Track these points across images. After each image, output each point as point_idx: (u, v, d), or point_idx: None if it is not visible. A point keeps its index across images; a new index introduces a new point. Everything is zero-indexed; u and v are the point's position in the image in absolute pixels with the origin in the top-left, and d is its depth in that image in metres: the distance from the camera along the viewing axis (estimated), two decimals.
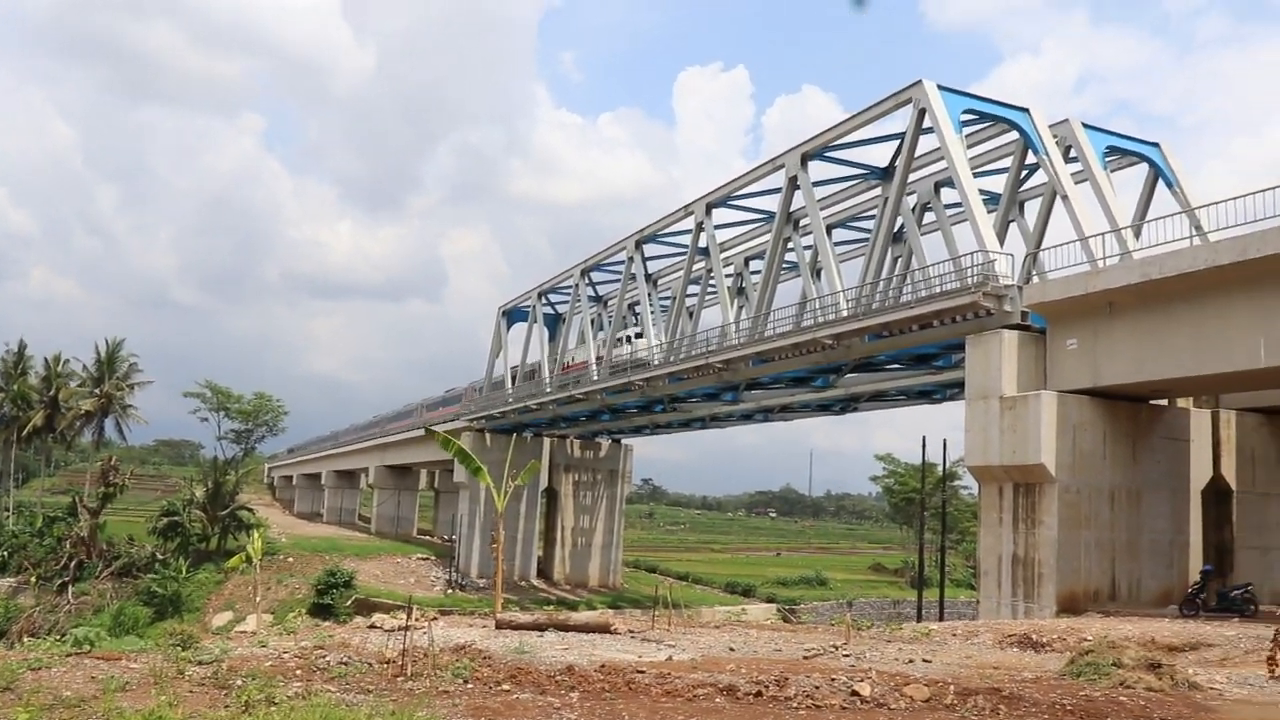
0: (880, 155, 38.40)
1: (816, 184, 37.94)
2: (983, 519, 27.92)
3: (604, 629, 17.50)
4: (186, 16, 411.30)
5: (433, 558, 66.87)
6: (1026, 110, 31.65)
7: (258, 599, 39.31)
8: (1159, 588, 26.78)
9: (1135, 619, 22.32)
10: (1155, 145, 34.68)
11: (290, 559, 61.85)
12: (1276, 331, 21.58)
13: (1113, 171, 33.73)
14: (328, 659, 12.62)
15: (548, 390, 55.80)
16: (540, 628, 17.55)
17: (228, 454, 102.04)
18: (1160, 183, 34.59)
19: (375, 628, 17.57)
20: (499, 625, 17.84)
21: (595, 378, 50.98)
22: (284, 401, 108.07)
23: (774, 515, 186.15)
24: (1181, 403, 29.12)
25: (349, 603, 49.10)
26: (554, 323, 64.41)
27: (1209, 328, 22.98)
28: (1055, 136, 31.96)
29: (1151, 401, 27.75)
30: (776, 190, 38.99)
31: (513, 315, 65.92)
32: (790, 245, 42.47)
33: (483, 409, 63.26)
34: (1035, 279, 30.28)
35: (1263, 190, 22.33)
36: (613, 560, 68.66)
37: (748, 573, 79.31)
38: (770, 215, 42.95)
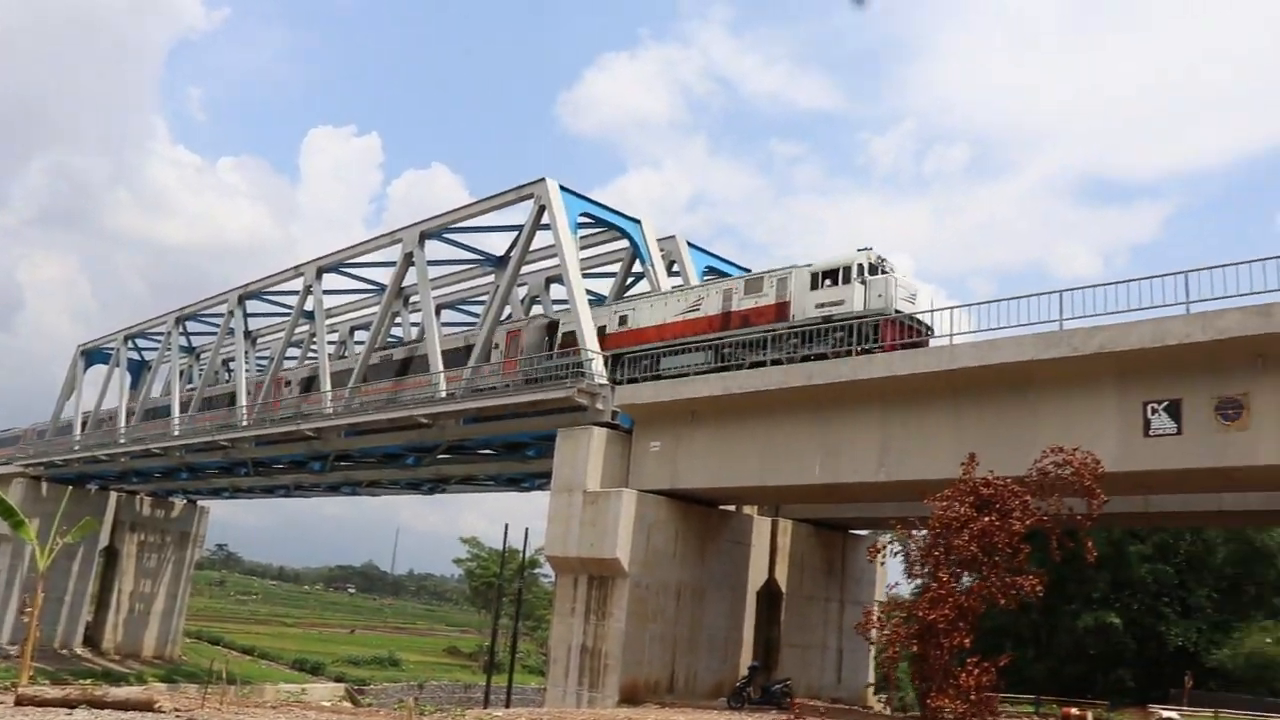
0: (498, 244, 39.22)
1: (432, 263, 38.09)
2: (557, 608, 28.55)
3: (146, 707, 16.00)
4: None
5: None
6: (639, 222, 33.64)
7: None
8: (713, 680, 28.43)
9: (688, 710, 23.51)
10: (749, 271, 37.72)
11: None
12: (830, 451, 23.92)
13: None
14: None
15: (122, 440, 51.53)
16: (71, 705, 15.76)
17: None
18: None
19: None
20: (19, 701, 15.85)
21: (176, 431, 47.81)
22: None
23: (353, 591, 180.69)
24: (748, 509, 31.48)
25: None
26: (138, 369, 60.08)
27: (776, 443, 25.05)
28: (662, 250, 34.23)
29: (721, 506, 29.78)
30: (391, 263, 38.70)
31: (93, 356, 61.09)
32: (398, 320, 42.22)
33: (43, 454, 57.22)
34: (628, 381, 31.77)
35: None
36: (173, 629, 64.02)
37: (319, 649, 76.26)
38: (382, 287, 42.55)
